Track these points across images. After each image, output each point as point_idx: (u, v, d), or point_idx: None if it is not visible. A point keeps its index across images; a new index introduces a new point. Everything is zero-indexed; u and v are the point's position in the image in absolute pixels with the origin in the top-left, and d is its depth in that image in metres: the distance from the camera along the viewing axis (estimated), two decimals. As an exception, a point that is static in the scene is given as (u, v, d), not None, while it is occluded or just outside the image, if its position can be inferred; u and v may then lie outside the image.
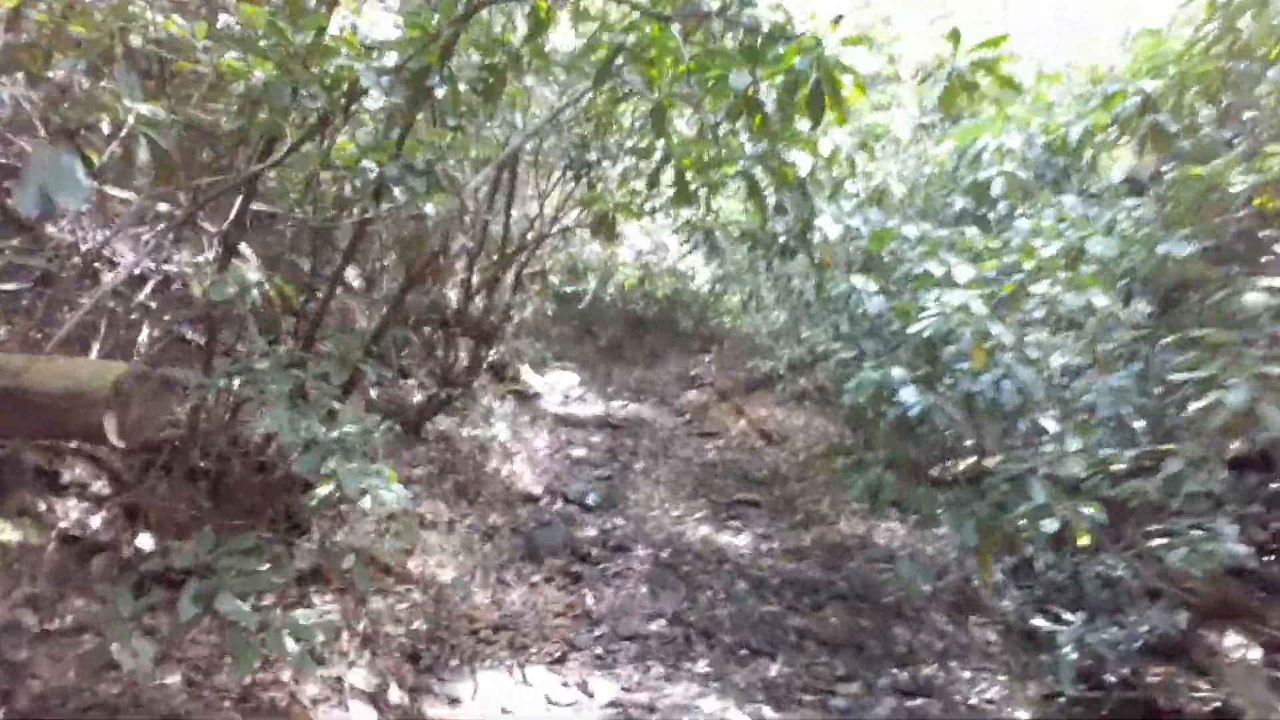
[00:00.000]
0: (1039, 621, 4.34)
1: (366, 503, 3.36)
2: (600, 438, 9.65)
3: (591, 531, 6.10)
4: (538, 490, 6.98)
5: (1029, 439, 4.18)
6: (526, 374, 11.07)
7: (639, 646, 4.45)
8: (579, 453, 8.69)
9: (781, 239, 5.68)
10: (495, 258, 6.66)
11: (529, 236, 7.00)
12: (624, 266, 11.44)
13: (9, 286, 3.69)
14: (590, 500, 6.95)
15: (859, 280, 4.75)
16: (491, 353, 8.90)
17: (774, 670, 4.33)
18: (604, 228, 9.04)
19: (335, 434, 3.51)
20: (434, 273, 6.68)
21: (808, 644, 4.54)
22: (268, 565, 3.13)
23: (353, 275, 7.29)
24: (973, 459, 4.39)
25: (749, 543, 6.12)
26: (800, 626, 4.72)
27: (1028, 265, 4.08)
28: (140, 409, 2.66)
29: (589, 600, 4.82)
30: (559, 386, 12.47)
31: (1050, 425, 3.99)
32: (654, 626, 4.64)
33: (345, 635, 3.75)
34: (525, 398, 10.00)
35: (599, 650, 4.39)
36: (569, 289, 12.62)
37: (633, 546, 5.74)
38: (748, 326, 10.77)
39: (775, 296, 8.31)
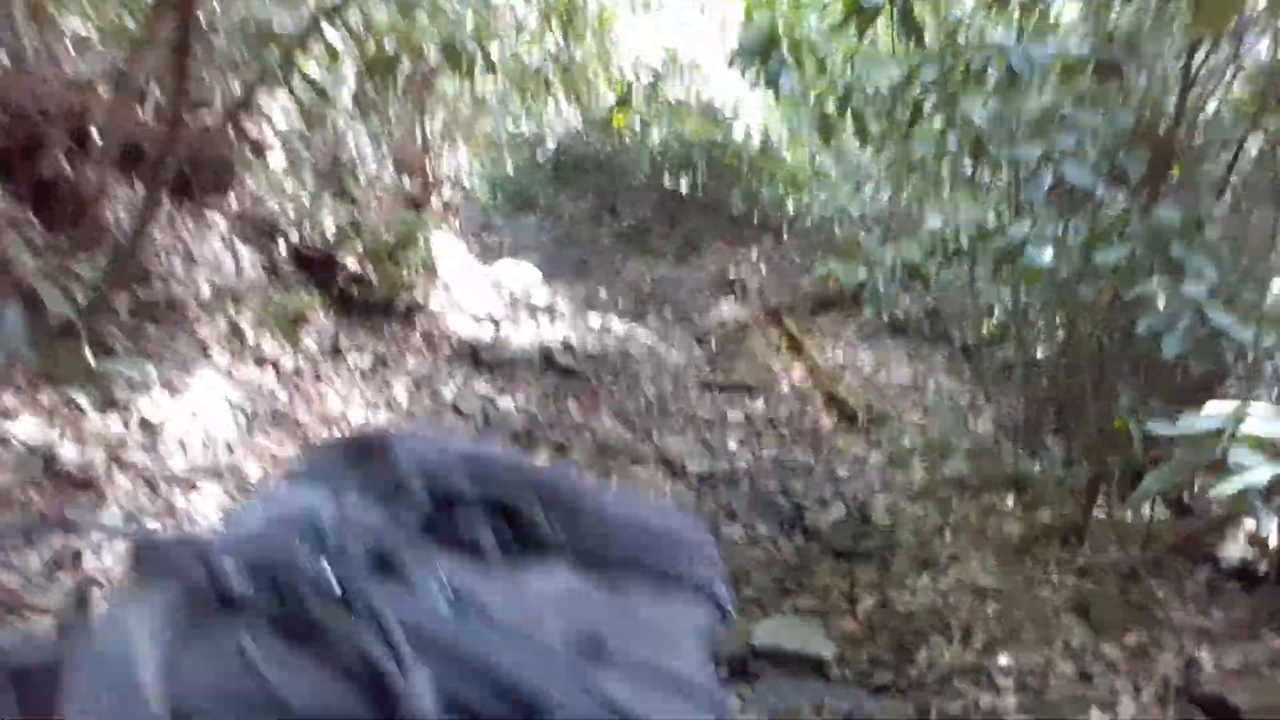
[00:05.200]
0: None
1: None
2: (520, 400, 5.01)
3: None
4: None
5: None
6: (448, 262, 6.39)
7: None
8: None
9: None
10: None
11: None
12: (613, 79, 6.45)
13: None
14: None
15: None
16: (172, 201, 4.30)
17: None
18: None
19: None
20: None
21: None
22: None
23: None
24: None
25: None
26: None
27: None
28: None
29: None
30: (510, 286, 7.75)
31: None
32: None
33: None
34: (390, 313, 5.35)
35: None
36: (528, 132, 7.79)
37: None
38: (817, 195, 5.89)
39: (874, 109, 3.42)
